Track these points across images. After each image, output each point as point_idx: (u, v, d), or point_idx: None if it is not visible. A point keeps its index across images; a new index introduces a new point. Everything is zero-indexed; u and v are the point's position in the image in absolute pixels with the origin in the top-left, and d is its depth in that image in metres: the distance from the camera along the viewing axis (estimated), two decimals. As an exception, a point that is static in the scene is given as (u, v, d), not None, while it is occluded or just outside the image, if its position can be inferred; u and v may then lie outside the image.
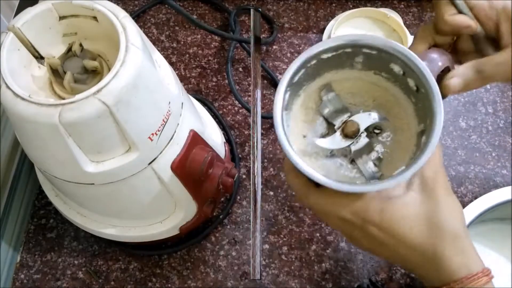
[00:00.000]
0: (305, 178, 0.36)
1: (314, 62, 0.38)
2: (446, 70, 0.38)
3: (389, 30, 0.72)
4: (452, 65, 0.38)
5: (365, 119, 0.37)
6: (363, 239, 0.36)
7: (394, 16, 0.71)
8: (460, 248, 0.35)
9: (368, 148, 0.38)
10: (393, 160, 0.38)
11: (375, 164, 0.37)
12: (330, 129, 0.39)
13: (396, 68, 0.37)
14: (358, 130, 0.37)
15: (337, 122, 0.38)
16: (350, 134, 0.37)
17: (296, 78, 0.38)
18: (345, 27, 0.72)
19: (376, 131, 0.39)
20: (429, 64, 0.36)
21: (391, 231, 0.34)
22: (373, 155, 0.38)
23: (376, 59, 0.38)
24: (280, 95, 0.36)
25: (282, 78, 0.37)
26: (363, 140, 0.37)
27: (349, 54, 0.38)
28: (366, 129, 0.37)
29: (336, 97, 0.39)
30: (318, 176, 0.34)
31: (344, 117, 0.38)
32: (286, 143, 0.35)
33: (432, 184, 0.36)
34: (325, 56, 0.38)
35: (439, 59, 0.37)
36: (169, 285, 0.57)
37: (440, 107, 0.34)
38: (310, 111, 0.40)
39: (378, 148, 0.38)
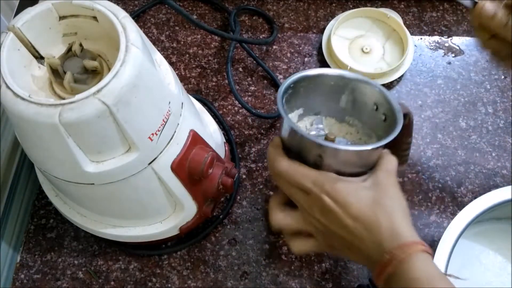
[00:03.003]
0: (282, 148, 0.43)
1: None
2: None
3: (389, 30, 0.72)
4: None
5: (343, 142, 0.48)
6: (317, 210, 0.40)
7: (394, 16, 0.71)
8: (403, 223, 0.39)
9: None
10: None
11: None
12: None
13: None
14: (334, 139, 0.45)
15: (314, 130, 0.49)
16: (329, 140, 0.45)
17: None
18: (345, 27, 0.72)
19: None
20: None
21: (340, 199, 0.39)
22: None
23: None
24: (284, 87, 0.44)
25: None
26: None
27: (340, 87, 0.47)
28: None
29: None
30: (310, 136, 0.40)
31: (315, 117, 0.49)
32: (282, 107, 0.42)
33: (384, 183, 0.40)
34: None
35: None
36: (169, 285, 0.57)
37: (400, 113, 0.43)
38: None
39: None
